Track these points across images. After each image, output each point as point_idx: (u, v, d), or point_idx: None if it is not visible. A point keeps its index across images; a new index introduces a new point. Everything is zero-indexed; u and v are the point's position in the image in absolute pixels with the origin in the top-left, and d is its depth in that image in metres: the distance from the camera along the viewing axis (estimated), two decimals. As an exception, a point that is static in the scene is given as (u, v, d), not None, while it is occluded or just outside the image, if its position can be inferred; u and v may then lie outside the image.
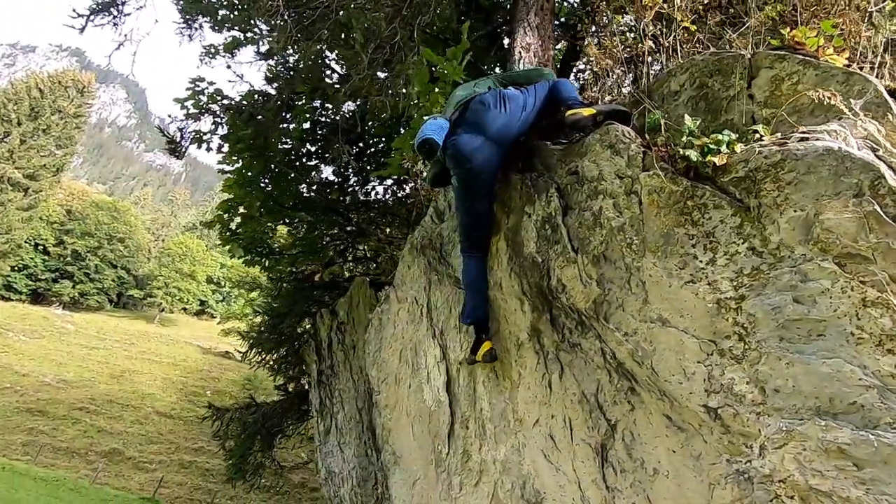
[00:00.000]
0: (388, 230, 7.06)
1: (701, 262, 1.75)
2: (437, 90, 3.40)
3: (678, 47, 2.59)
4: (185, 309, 43.28)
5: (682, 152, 1.84)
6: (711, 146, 1.77)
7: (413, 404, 3.38)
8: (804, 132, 1.59)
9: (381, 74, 4.17)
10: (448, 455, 3.00)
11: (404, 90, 3.89)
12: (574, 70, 6.25)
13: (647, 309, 1.91)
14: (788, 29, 1.96)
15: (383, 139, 6.60)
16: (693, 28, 2.62)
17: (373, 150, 6.79)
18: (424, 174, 3.17)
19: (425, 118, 2.56)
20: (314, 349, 7.30)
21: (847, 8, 2.08)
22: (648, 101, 2.21)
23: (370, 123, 5.80)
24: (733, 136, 1.77)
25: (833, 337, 1.40)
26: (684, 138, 1.86)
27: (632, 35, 3.27)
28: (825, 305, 1.42)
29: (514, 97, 2.52)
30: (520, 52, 4.74)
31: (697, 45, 2.58)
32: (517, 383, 2.56)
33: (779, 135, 1.67)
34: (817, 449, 1.42)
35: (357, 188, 7.78)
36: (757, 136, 1.72)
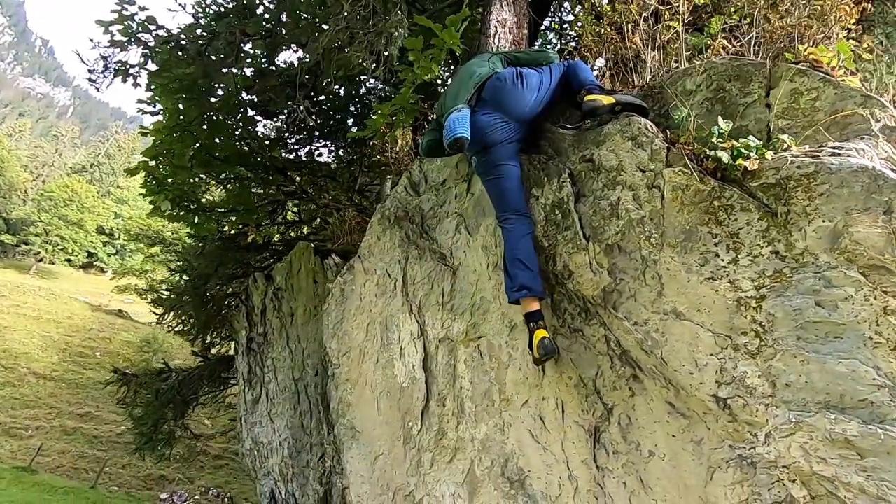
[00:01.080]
0: (332, 194, 6.74)
1: (723, 260, 1.84)
2: (430, 57, 3.22)
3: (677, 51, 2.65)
4: (68, 260, 38.75)
5: (712, 153, 1.89)
6: (741, 150, 1.83)
7: (380, 379, 3.29)
8: (834, 147, 1.70)
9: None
10: (420, 432, 2.97)
11: (386, 51, 3.65)
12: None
13: (661, 301, 1.97)
14: (805, 46, 2.07)
15: (340, 96, 6.21)
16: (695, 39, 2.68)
17: (327, 106, 6.38)
18: (420, 142, 3.01)
19: (451, 112, 2.39)
20: (245, 315, 6.87)
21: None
22: (674, 97, 2.25)
23: (328, 80, 5.41)
24: (759, 143, 1.85)
25: (851, 339, 1.54)
26: (715, 139, 1.91)
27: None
28: (847, 311, 1.55)
29: (529, 76, 2.45)
30: (495, 27, 4.63)
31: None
32: (506, 364, 2.56)
33: (807, 147, 1.77)
34: (824, 439, 1.56)
35: (299, 148, 7.31)
36: (785, 145, 1.81)
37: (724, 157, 1.85)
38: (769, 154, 1.79)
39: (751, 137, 1.89)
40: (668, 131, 2.15)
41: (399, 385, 3.14)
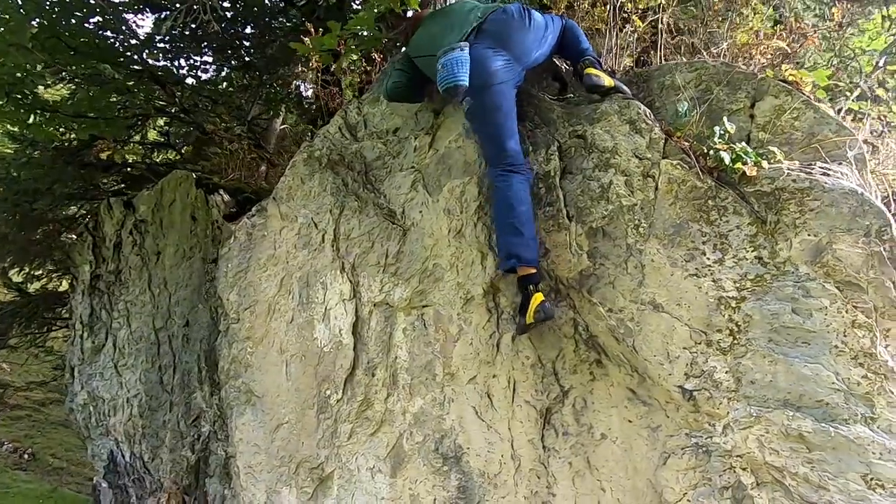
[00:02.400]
0: (220, 120, 5.81)
1: (709, 259, 1.89)
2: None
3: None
4: None
5: (713, 153, 1.91)
6: (741, 154, 1.88)
7: (294, 341, 2.91)
8: (824, 167, 1.82)
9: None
10: (340, 401, 2.70)
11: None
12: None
13: (640, 291, 1.98)
14: (786, 67, 2.20)
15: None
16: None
17: (236, 11, 5.38)
18: (385, 82, 2.61)
19: (451, 51, 2.08)
20: (90, 247, 5.66)
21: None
22: (663, 90, 2.23)
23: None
24: (755, 151, 1.92)
25: (818, 346, 1.68)
26: (716, 139, 1.94)
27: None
28: (820, 320, 1.69)
29: (535, 15, 2.25)
30: None
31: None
32: (455, 337, 2.41)
33: (798, 162, 1.88)
34: (780, 433, 1.71)
35: (177, 56, 6.13)
36: (775, 157, 1.89)
37: (726, 158, 1.88)
38: (765, 163, 1.86)
39: (741, 145, 1.95)
40: (661, 122, 2.14)
41: (319, 349, 2.81)
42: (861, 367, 1.63)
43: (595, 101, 2.27)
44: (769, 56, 2.45)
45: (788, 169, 1.82)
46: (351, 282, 2.76)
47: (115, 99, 5.77)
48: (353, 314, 2.72)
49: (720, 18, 2.78)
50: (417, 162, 2.65)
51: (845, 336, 1.65)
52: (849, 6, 2.96)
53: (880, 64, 3.16)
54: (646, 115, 2.11)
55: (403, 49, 2.65)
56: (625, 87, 2.24)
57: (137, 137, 6.77)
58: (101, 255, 5.56)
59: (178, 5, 4.74)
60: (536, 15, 2.25)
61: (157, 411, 4.75)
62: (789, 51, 2.43)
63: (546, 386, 2.20)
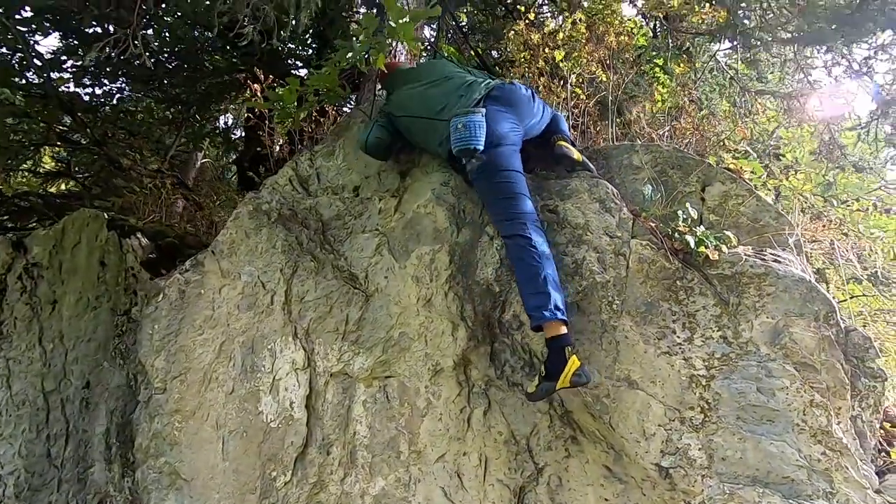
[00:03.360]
0: (141, 156, 5.33)
1: (679, 337, 1.98)
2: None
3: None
4: None
5: (679, 236, 2.03)
6: (702, 239, 2.02)
7: (234, 415, 2.62)
8: (774, 254, 2.00)
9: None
10: (288, 484, 2.44)
11: (301, 17, 3.03)
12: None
13: (615, 367, 2.02)
14: (730, 156, 2.44)
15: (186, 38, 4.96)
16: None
17: (169, 45, 5.02)
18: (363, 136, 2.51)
19: (471, 114, 2.09)
20: (-38, 292, 4.80)
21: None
22: (622, 170, 2.37)
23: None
24: (714, 235, 2.07)
25: (782, 424, 1.80)
26: (680, 223, 2.07)
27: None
28: (782, 399, 1.81)
29: (536, 96, 2.39)
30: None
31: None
32: (423, 412, 2.30)
33: (750, 248, 2.05)
34: (751, 510, 1.78)
35: (95, 85, 5.62)
36: (731, 242, 2.05)
37: (692, 241, 2.01)
38: (724, 248, 2.01)
39: (702, 229, 2.10)
40: (626, 202, 2.26)
41: (264, 424, 2.54)
42: (820, 444, 1.75)
43: (563, 176, 2.36)
44: (710, 141, 2.71)
45: (745, 255, 1.98)
46: (305, 349, 2.56)
47: (10, 122, 5.13)
48: (307, 385, 2.51)
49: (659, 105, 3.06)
50: (382, 225, 2.56)
51: (805, 415, 1.78)
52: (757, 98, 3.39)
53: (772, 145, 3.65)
54: (614, 195, 2.22)
55: (384, 105, 2.60)
56: (591, 165, 2.36)
57: (27, 165, 6.01)
58: (-23, 304, 4.74)
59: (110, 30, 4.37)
60: (536, 97, 2.38)
61: (39, 491, 4.01)
62: (724, 138, 2.71)
63: (520, 463, 2.14)
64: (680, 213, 2.10)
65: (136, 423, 2.95)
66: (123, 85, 5.71)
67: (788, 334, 1.85)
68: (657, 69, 4.57)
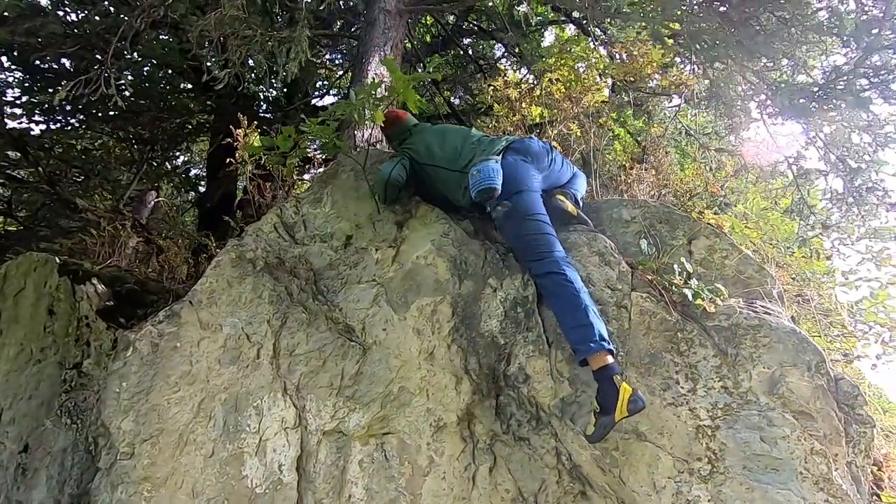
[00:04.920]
0: (100, 197, 5.04)
1: (682, 388, 2.03)
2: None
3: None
4: None
5: (677, 289, 2.13)
6: (698, 292, 2.12)
7: (213, 480, 2.41)
8: (764, 306, 2.12)
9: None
10: (276, 557, 2.26)
11: (289, 67, 3.04)
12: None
13: (624, 420, 2.04)
14: (709, 212, 2.60)
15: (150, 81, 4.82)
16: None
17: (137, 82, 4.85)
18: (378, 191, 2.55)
19: (487, 161, 2.23)
20: None
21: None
22: (613, 222, 2.48)
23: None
24: (706, 289, 2.18)
25: (787, 473, 1.86)
26: (676, 277, 2.17)
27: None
28: (784, 448, 1.88)
29: (556, 152, 2.54)
30: (373, 79, 4.51)
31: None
32: (426, 471, 2.21)
33: (742, 301, 2.17)
34: (763, 561, 1.80)
35: (50, 121, 5.34)
36: (722, 294, 2.17)
37: (689, 294, 2.10)
38: (719, 300, 2.12)
39: (697, 283, 2.21)
40: (623, 255, 2.35)
41: (249, 490, 2.36)
42: (822, 491, 1.82)
43: (561, 229, 2.43)
44: (685, 196, 2.88)
45: (739, 308, 2.09)
46: (295, 406, 2.43)
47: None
48: (298, 446, 2.36)
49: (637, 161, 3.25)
50: (380, 275, 2.53)
51: (806, 463, 1.85)
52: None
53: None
54: (612, 249, 2.30)
55: (403, 149, 2.71)
56: (587, 219, 2.45)
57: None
58: None
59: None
60: (556, 152, 2.53)
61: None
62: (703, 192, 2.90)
63: (529, 522, 2.09)
64: (676, 266, 2.20)
65: (94, 494, 2.65)
66: (80, 122, 5.46)
67: (785, 384, 1.95)
68: (615, 125, 4.88)
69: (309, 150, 2.95)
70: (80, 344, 3.61)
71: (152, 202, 7.25)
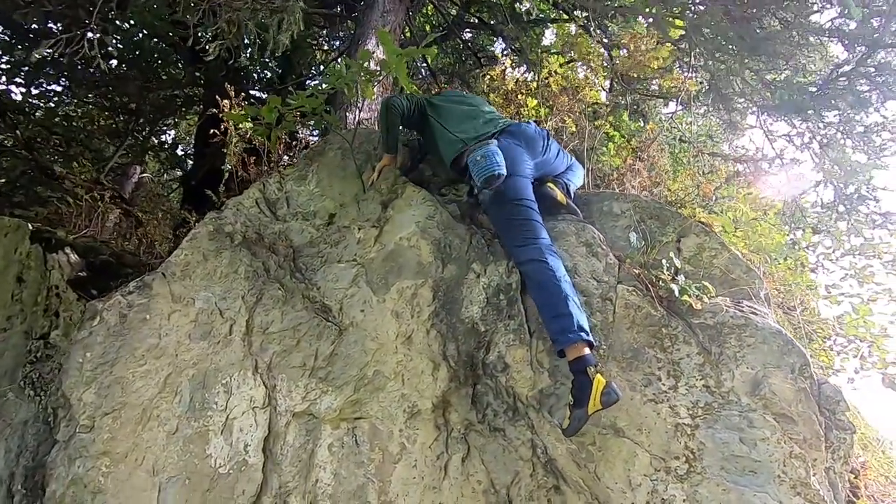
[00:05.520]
0: (79, 165, 4.89)
1: (664, 385, 1.98)
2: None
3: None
4: None
5: (664, 284, 2.08)
6: (686, 288, 2.08)
7: (175, 458, 2.32)
8: (751, 306, 2.08)
9: None
10: (236, 539, 2.17)
11: (280, 38, 2.94)
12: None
13: (602, 414, 1.98)
14: (701, 211, 2.56)
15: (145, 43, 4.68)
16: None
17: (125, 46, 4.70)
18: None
19: (486, 145, 2.21)
20: None
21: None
22: (602, 215, 2.42)
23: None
24: (693, 286, 2.13)
25: (764, 475, 1.82)
26: (664, 271, 2.12)
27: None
28: (763, 450, 1.84)
29: (552, 140, 2.49)
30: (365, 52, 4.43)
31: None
32: (397, 458, 2.14)
33: (729, 300, 2.12)
34: (736, 564, 1.76)
35: (31, 85, 5.17)
36: (710, 293, 2.12)
37: (676, 290, 2.05)
38: (705, 298, 2.07)
39: (686, 281, 2.16)
40: (611, 247, 2.29)
41: (212, 469, 2.27)
42: (799, 496, 1.78)
43: (549, 217, 2.37)
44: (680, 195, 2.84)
45: (726, 306, 2.05)
46: (266, 385, 2.34)
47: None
48: (266, 426, 2.28)
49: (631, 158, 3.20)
50: (361, 255, 2.45)
51: (785, 466, 1.81)
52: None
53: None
54: (600, 240, 2.25)
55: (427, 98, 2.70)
56: (576, 209, 2.39)
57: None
58: None
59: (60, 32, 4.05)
60: (553, 141, 2.50)
61: None
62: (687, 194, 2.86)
63: (499, 515, 2.02)
64: (664, 261, 2.16)
65: (50, 467, 2.54)
66: (64, 87, 5.29)
67: (768, 385, 1.91)
68: (609, 127, 4.84)
69: (296, 126, 2.84)
70: (48, 314, 3.48)
71: (136, 177, 7.08)
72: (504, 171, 2.13)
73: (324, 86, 2.56)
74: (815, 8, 2.56)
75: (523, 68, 5.40)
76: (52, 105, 5.16)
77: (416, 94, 2.69)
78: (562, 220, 2.35)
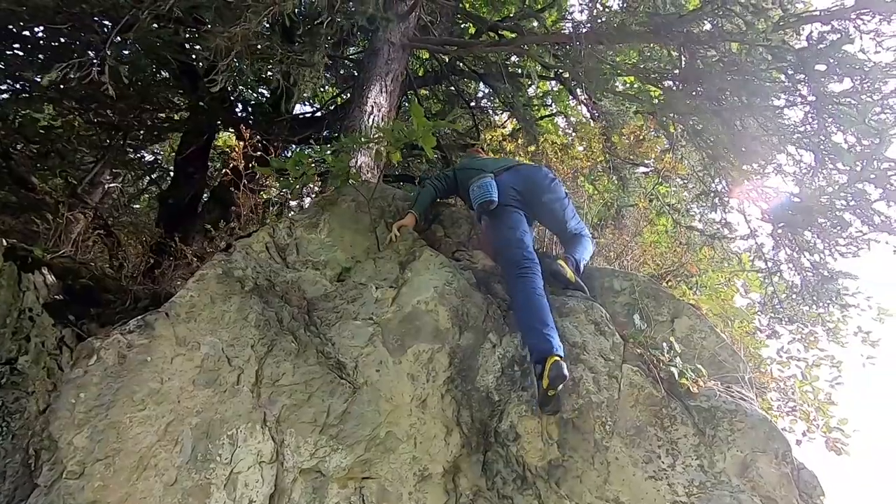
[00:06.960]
0: (58, 177, 4.71)
1: (663, 463, 2.14)
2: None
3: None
4: None
5: (665, 367, 2.27)
6: (684, 371, 2.27)
7: (172, 512, 2.26)
8: (740, 393, 2.29)
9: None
10: None
11: (303, 88, 3.03)
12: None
13: (606, 488, 2.12)
14: (690, 292, 2.80)
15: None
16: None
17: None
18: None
19: (484, 177, 2.76)
20: None
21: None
22: (603, 292, 2.61)
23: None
24: (693, 372, 2.33)
25: (751, 555, 1.99)
26: (664, 354, 2.31)
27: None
28: (751, 530, 2.02)
29: (562, 187, 2.87)
30: (371, 107, 4.57)
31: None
32: (405, 521, 2.18)
33: (720, 384, 2.33)
34: None
35: (10, 91, 4.98)
36: (703, 376, 2.33)
37: (676, 373, 2.24)
38: (700, 381, 2.27)
39: (685, 365, 2.36)
40: (616, 326, 2.48)
41: (213, 526, 2.23)
42: (780, 575, 1.96)
43: (559, 293, 2.53)
44: (664, 268, 3.08)
45: (718, 391, 2.25)
46: (274, 440, 2.34)
47: None
48: (273, 483, 2.27)
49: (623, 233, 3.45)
50: (378, 314, 2.52)
51: (769, 547, 2.00)
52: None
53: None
54: (607, 319, 2.42)
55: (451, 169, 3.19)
56: (584, 286, 2.57)
57: None
58: None
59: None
60: (561, 185, 2.89)
61: None
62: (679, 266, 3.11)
63: (503, 583, 2.10)
64: (664, 344, 2.35)
65: (28, 515, 2.40)
66: (45, 96, 5.10)
67: (755, 468, 2.10)
68: (590, 187, 5.15)
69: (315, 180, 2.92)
70: (17, 337, 3.33)
71: (106, 186, 6.82)
72: (495, 198, 2.67)
73: (346, 145, 2.65)
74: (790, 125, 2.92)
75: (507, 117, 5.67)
76: (31, 111, 4.95)
77: (446, 171, 3.16)
78: (571, 296, 2.52)
